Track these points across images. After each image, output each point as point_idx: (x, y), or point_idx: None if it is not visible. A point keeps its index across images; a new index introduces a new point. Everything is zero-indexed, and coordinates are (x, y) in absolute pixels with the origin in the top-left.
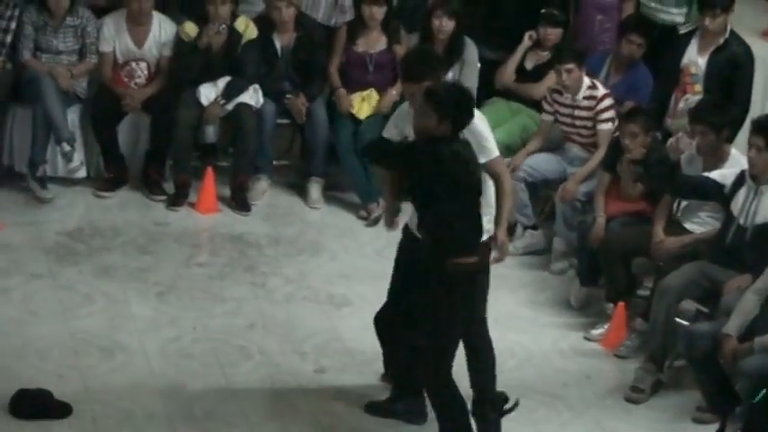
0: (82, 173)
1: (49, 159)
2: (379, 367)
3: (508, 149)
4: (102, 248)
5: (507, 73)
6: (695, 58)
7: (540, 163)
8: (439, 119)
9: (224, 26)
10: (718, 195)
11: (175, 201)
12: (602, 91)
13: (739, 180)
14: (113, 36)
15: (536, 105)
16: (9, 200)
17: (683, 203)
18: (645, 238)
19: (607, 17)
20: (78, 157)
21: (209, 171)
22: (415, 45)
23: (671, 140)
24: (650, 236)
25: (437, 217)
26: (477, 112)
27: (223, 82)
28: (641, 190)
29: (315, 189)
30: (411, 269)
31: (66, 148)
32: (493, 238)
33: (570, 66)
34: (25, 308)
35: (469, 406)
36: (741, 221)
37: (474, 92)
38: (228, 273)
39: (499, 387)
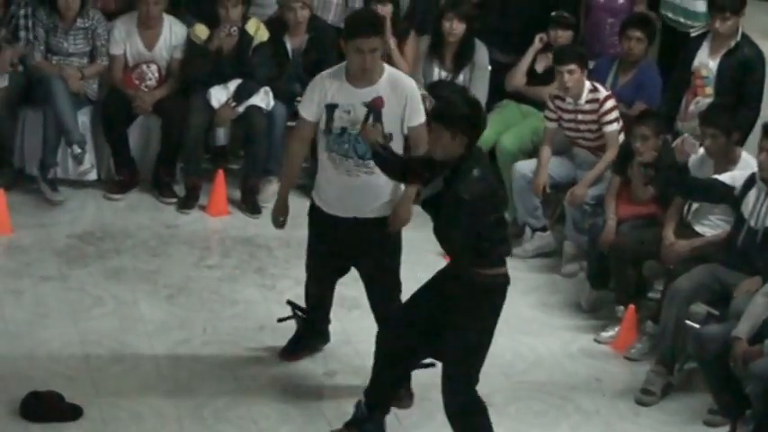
0: (92, 175)
1: (60, 162)
2: None
3: (519, 152)
4: (112, 251)
5: (518, 76)
6: (706, 61)
7: (550, 166)
8: (452, 135)
9: (235, 28)
10: (728, 198)
11: (186, 203)
12: (603, 93)
13: (749, 182)
14: (124, 38)
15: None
16: (20, 202)
17: (694, 206)
18: (655, 240)
19: (617, 20)
20: (89, 159)
21: (220, 173)
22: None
23: (676, 142)
24: (661, 239)
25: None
26: (412, 81)
27: (234, 85)
28: (652, 193)
29: None
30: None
31: (77, 150)
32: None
33: (572, 66)
34: (36, 310)
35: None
36: (752, 224)
37: (485, 95)
38: (239, 275)
39: (509, 389)
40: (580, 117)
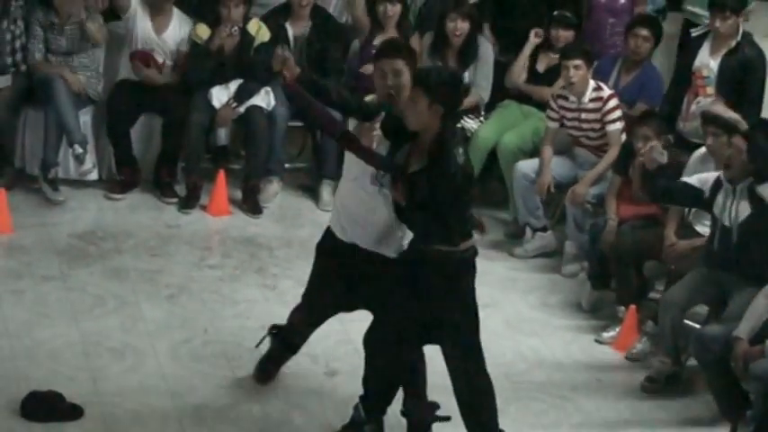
0: (94, 175)
1: (61, 161)
2: None
3: (520, 151)
4: (113, 250)
5: (516, 72)
6: (707, 61)
7: (552, 166)
8: (430, 102)
9: (236, 28)
10: (699, 201)
11: (187, 203)
12: (607, 91)
13: (717, 183)
14: (138, 12)
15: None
16: (21, 202)
17: None
18: (656, 241)
19: (619, 20)
20: (90, 159)
21: (221, 173)
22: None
23: (644, 149)
24: (662, 239)
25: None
26: None
27: (235, 85)
28: None
29: (327, 191)
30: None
31: (78, 150)
32: None
33: (578, 62)
34: (36, 310)
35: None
36: (725, 223)
37: (488, 88)
38: (240, 275)
39: (510, 389)
40: (583, 116)
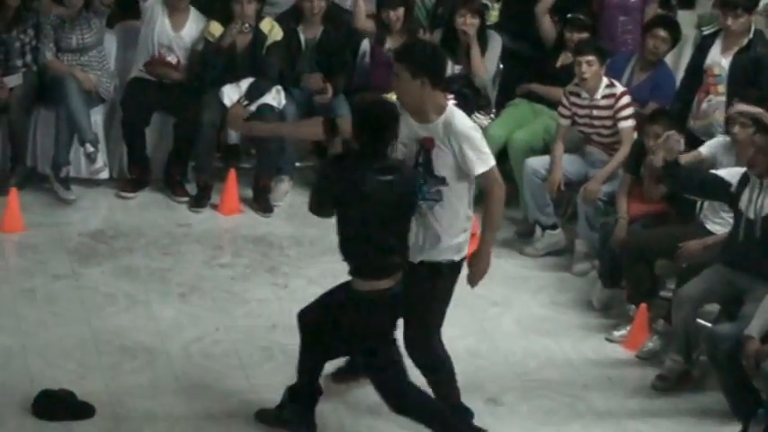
0: (105, 174)
1: (73, 160)
2: None
3: (531, 149)
4: (124, 249)
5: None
6: (718, 59)
7: (563, 164)
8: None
9: (248, 25)
10: (725, 194)
11: (198, 202)
12: (620, 89)
13: (745, 178)
14: (156, 9)
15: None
16: (32, 201)
17: (706, 204)
18: (667, 239)
19: (630, 18)
20: (101, 158)
21: (232, 172)
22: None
23: (661, 139)
24: (673, 237)
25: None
26: (470, 123)
27: (246, 83)
28: (664, 191)
29: None
30: None
31: (90, 149)
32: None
33: (591, 57)
34: (48, 308)
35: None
36: (750, 216)
37: (493, 71)
38: (251, 274)
39: (521, 388)
40: (595, 113)
